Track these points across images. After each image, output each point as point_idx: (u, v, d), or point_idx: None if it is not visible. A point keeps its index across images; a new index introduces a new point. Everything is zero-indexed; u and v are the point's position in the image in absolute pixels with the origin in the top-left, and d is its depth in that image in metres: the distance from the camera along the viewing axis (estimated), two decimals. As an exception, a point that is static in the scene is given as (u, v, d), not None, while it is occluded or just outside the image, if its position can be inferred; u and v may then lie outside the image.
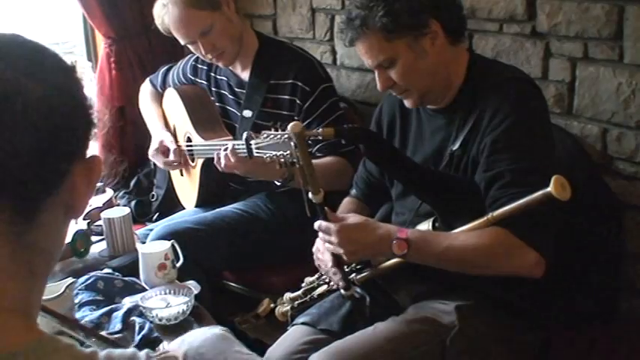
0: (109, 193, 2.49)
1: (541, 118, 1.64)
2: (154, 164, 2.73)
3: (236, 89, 2.43)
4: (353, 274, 1.74)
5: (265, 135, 1.67)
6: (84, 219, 2.12)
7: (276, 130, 1.63)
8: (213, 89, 2.51)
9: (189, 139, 2.47)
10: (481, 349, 1.63)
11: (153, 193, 2.76)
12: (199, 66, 2.53)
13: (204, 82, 2.53)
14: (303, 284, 1.90)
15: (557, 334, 1.79)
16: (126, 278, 1.86)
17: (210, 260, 2.27)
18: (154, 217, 2.66)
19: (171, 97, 2.58)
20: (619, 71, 1.98)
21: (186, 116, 2.45)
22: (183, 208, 2.59)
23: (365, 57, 1.68)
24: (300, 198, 1.63)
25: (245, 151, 1.94)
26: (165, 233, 2.18)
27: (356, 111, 2.66)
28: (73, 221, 0.77)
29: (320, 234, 1.66)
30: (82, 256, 2.01)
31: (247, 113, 2.35)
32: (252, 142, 1.85)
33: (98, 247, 2.12)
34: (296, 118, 2.19)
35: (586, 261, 1.82)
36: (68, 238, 1.69)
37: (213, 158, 2.15)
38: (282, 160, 1.62)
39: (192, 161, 2.48)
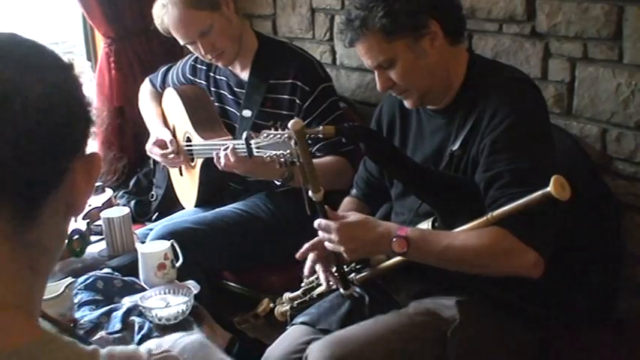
0: (109, 192, 2.48)
1: (540, 118, 1.64)
2: (154, 163, 2.73)
3: (235, 89, 2.43)
4: (352, 274, 1.74)
5: (265, 134, 1.67)
6: (83, 219, 2.12)
7: (276, 130, 1.63)
8: (212, 89, 2.51)
9: (188, 139, 2.47)
10: (482, 343, 1.63)
11: (152, 192, 2.76)
12: (198, 66, 2.53)
13: (204, 82, 2.53)
14: (302, 284, 1.90)
15: (557, 333, 1.79)
16: (125, 278, 1.86)
17: (210, 260, 2.27)
18: (154, 217, 2.66)
19: (171, 97, 2.58)
20: (618, 71, 1.98)
21: (186, 116, 2.45)
22: (183, 208, 2.59)
23: (365, 58, 1.68)
24: (299, 198, 1.63)
25: (245, 150, 1.94)
26: (164, 233, 2.18)
27: (355, 111, 2.66)
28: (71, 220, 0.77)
29: (320, 232, 1.66)
30: (78, 255, 2.00)
31: (247, 113, 2.35)
32: (252, 141, 1.86)
33: (97, 247, 2.11)
34: (296, 117, 2.19)
35: (585, 261, 1.82)
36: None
37: (212, 158, 2.15)
38: (282, 159, 1.62)
39: (192, 161, 2.48)
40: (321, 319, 1.75)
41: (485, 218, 1.53)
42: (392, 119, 1.87)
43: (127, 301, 1.75)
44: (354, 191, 2.02)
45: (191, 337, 0.76)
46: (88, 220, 2.13)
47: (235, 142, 2.06)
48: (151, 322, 1.67)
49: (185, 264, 1.95)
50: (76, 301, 1.74)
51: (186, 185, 2.56)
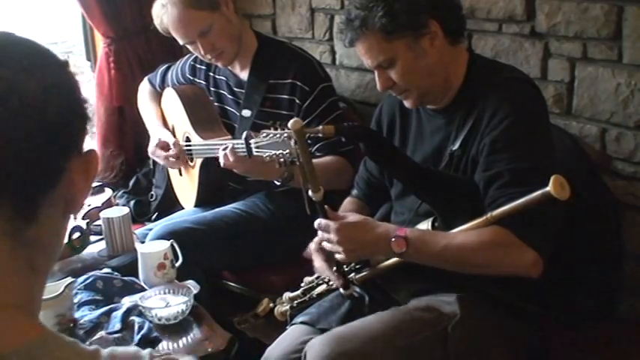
0: (108, 192, 2.48)
1: (540, 118, 1.64)
2: (153, 164, 2.73)
3: (235, 89, 2.43)
4: (352, 274, 1.74)
5: (265, 134, 1.67)
6: (83, 218, 2.12)
7: (276, 130, 1.63)
8: (211, 89, 2.51)
9: (188, 139, 2.47)
10: (482, 339, 1.63)
11: (152, 192, 2.76)
12: (198, 66, 2.53)
13: (203, 82, 2.52)
14: (302, 284, 1.90)
15: (557, 333, 1.79)
16: (125, 278, 1.86)
17: (210, 260, 2.27)
18: (153, 217, 2.66)
19: (170, 97, 2.58)
20: (618, 71, 1.98)
21: (185, 116, 2.45)
22: (182, 208, 2.59)
23: (364, 57, 1.68)
24: (299, 198, 1.63)
25: (244, 150, 1.94)
26: (164, 233, 2.18)
27: (355, 111, 2.66)
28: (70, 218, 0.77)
29: (319, 232, 1.66)
30: (78, 251, 2.00)
31: (246, 113, 2.35)
32: (252, 141, 1.85)
33: (97, 247, 2.12)
34: (295, 117, 2.19)
35: (585, 261, 1.82)
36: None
37: (212, 158, 2.15)
38: (282, 159, 1.62)
39: (192, 161, 2.48)
40: (321, 318, 1.75)
41: (484, 218, 1.53)
42: (392, 119, 1.87)
43: (126, 301, 1.75)
44: (354, 191, 2.02)
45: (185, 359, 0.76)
46: (87, 220, 2.13)
47: (235, 141, 2.06)
48: (150, 321, 1.67)
49: (185, 264, 1.95)
50: (75, 300, 1.74)
51: (186, 185, 2.56)
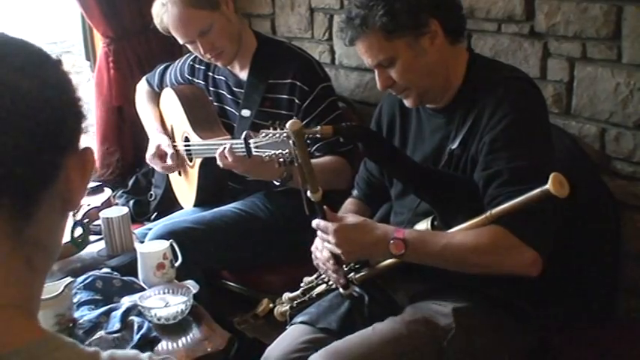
0: (108, 192, 2.48)
1: (540, 117, 1.64)
2: (153, 164, 2.73)
3: (234, 89, 2.43)
4: (351, 274, 1.74)
5: (264, 134, 1.67)
6: (82, 218, 2.11)
7: (275, 129, 1.63)
8: (211, 89, 2.50)
9: (187, 139, 2.47)
10: (478, 352, 1.63)
11: (151, 192, 2.76)
12: (197, 66, 2.53)
13: (202, 82, 2.52)
14: (302, 284, 1.90)
15: (556, 333, 1.79)
16: (124, 278, 1.86)
17: (209, 260, 2.27)
18: (153, 217, 2.66)
19: (169, 97, 2.58)
20: (617, 71, 1.98)
21: (184, 116, 2.45)
22: (182, 208, 2.59)
23: (365, 56, 1.68)
24: (298, 198, 1.63)
25: (244, 150, 1.94)
26: (163, 233, 2.18)
27: (354, 110, 2.66)
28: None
29: (318, 233, 1.66)
30: (79, 246, 2.00)
31: (246, 113, 2.35)
32: (251, 141, 1.85)
33: (96, 247, 2.11)
34: (295, 117, 2.19)
35: (584, 261, 1.82)
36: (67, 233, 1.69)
37: (211, 158, 2.15)
38: (281, 159, 1.62)
39: (191, 161, 2.48)
40: (321, 318, 1.75)
41: (484, 216, 1.53)
42: (392, 119, 1.87)
43: (126, 301, 1.74)
44: (355, 192, 2.02)
45: None
46: (87, 220, 2.13)
47: (234, 141, 2.06)
48: (150, 321, 1.67)
49: (184, 264, 1.95)
50: (75, 300, 1.74)
51: (185, 185, 2.56)
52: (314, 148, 2.20)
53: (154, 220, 2.59)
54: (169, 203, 2.65)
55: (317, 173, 1.60)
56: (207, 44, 2.26)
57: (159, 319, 1.68)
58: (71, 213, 0.81)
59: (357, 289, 1.78)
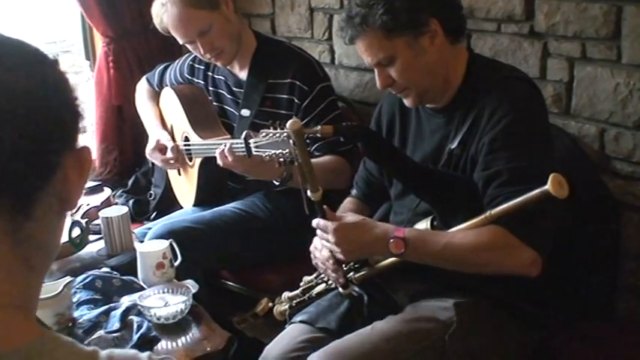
0: (107, 192, 2.48)
1: (540, 117, 1.64)
2: (152, 163, 2.73)
3: (234, 88, 2.43)
4: (351, 273, 1.74)
5: (264, 134, 1.67)
6: (82, 217, 2.12)
7: (275, 129, 1.63)
8: (210, 89, 2.50)
9: (186, 139, 2.47)
10: (480, 346, 1.63)
11: (151, 192, 2.76)
12: (197, 66, 2.53)
13: (202, 82, 2.52)
14: (301, 283, 1.90)
15: (556, 333, 1.79)
16: (124, 277, 1.86)
17: (208, 259, 2.27)
18: (152, 216, 2.66)
19: (169, 96, 2.58)
20: (617, 71, 1.98)
21: (184, 116, 2.45)
22: (181, 207, 2.59)
23: (364, 55, 1.68)
24: (298, 197, 1.63)
25: (244, 149, 1.94)
26: (163, 232, 2.18)
27: (354, 110, 2.66)
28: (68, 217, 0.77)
29: (318, 232, 1.66)
30: (78, 246, 2.00)
31: (245, 112, 2.35)
32: (251, 140, 1.85)
33: (96, 246, 2.11)
34: (294, 117, 2.19)
35: (584, 260, 1.82)
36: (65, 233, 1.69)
37: (211, 157, 2.15)
38: (281, 158, 1.62)
39: (190, 161, 2.48)
40: (320, 317, 1.75)
41: (483, 216, 1.53)
42: (392, 118, 1.87)
43: (125, 300, 1.74)
44: (354, 191, 2.02)
45: None
46: (86, 219, 2.13)
47: (234, 141, 2.06)
48: (149, 321, 1.67)
49: (184, 263, 1.95)
50: (74, 300, 1.74)
51: (185, 185, 2.56)
52: (314, 147, 2.20)
53: (154, 219, 2.59)
54: (169, 203, 2.65)
55: (317, 173, 1.60)
56: (206, 44, 2.26)
57: (158, 319, 1.68)
58: (69, 213, 0.81)
59: (356, 289, 1.78)
